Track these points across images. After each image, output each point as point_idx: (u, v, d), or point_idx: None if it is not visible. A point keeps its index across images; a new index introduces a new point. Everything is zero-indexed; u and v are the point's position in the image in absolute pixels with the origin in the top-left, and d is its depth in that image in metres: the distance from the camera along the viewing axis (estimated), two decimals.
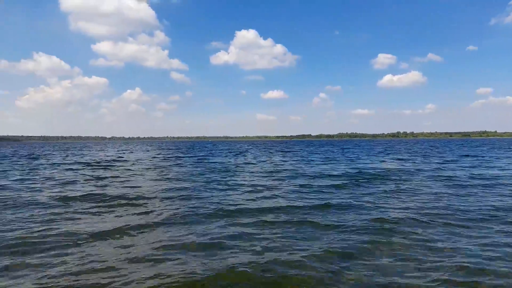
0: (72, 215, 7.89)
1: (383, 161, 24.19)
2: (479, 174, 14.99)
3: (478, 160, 23.82)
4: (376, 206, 8.64)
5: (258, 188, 11.86)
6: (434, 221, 7.13)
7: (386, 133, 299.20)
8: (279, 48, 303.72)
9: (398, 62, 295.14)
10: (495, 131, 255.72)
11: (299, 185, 12.50)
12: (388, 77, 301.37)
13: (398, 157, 28.38)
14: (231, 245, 5.74)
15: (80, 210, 8.43)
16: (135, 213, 8.11)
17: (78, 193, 10.68)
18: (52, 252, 5.46)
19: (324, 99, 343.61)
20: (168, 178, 14.79)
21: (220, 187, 12.19)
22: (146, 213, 8.12)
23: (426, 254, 5.30)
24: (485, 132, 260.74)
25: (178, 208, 8.53)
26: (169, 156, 34.02)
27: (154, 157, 32.53)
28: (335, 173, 16.30)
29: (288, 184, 12.88)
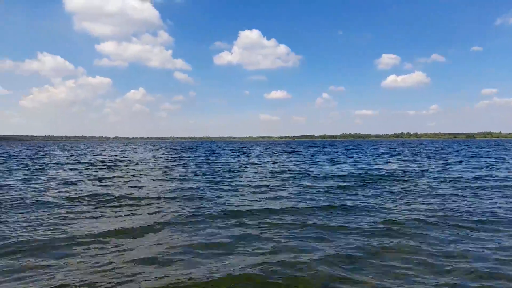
0: (77, 216, 7.86)
1: (388, 162, 24.04)
2: (486, 176, 14.84)
3: (483, 161, 23.61)
4: (382, 208, 8.55)
5: (263, 189, 11.79)
6: (442, 223, 7.03)
7: (389, 133, 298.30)
8: (283, 48, 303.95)
9: (402, 62, 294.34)
10: (500, 132, 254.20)
11: (304, 186, 12.43)
12: (392, 78, 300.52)
13: (403, 158, 28.21)
14: (236, 247, 5.68)
15: (84, 211, 8.41)
16: (139, 214, 8.08)
17: (82, 193, 10.66)
18: (57, 253, 5.43)
19: (327, 99, 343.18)
20: (172, 178, 14.76)
21: (224, 187, 12.14)
22: (151, 213, 8.08)
23: (435, 257, 5.21)
24: (489, 133, 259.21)
25: (182, 209, 8.48)
26: (172, 156, 34.03)
27: (158, 157, 32.55)
28: (340, 174, 16.20)
29: (292, 185, 12.80)
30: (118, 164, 23.00)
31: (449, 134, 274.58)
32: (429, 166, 19.76)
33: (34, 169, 19.62)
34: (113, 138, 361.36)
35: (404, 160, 25.22)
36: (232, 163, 23.59)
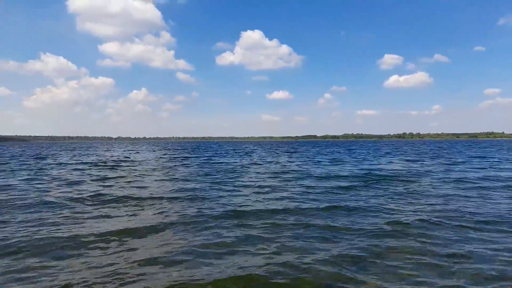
0: (80, 216, 7.86)
1: (391, 162, 23.95)
2: (490, 176, 14.75)
3: (487, 161, 23.48)
4: (386, 209, 8.50)
5: (265, 189, 11.77)
6: (446, 224, 6.98)
7: (392, 134, 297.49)
8: (285, 48, 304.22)
9: (405, 62, 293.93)
10: (503, 132, 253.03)
11: (307, 186, 12.39)
12: (394, 78, 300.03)
13: (406, 158, 28.11)
14: (240, 247, 5.65)
15: (87, 211, 8.41)
16: (142, 214, 8.07)
17: (85, 194, 10.67)
18: (60, 254, 5.42)
19: (329, 99, 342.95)
20: (175, 179, 14.75)
21: (226, 188, 12.12)
22: (154, 214, 8.07)
23: (440, 258, 5.17)
24: (492, 133, 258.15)
25: (185, 209, 8.46)
26: (175, 156, 34.05)
27: (160, 157, 32.57)
28: (342, 174, 16.15)
29: (295, 185, 12.77)
30: (120, 165, 23.02)
31: (452, 134, 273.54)
32: (432, 167, 19.68)
33: (37, 169, 19.67)
34: (116, 139, 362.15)
35: (407, 160, 25.13)
36: (234, 163, 23.57)
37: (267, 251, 5.47)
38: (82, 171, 18.69)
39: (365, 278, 4.52)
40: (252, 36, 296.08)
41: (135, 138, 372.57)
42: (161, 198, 10.01)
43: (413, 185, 12.36)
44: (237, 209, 8.40)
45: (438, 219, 7.34)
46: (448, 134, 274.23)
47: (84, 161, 26.34)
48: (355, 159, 27.07)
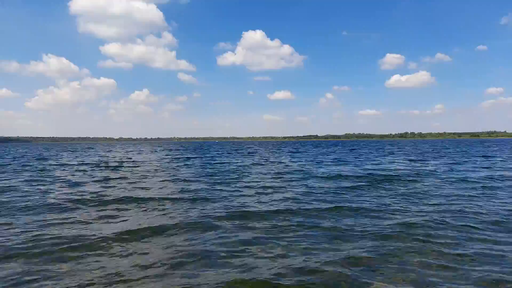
0: (82, 218, 7.81)
1: (395, 162, 23.84)
2: (496, 175, 14.63)
3: (491, 160, 23.34)
4: (391, 209, 8.41)
5: (269, 190, 11.69)
6: (452, 225, 6.89)
7: (394, 133, 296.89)
8: (286, 48, 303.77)
9: (406, 62, 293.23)
10: (505, 131, 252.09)
11: (310, 186, 12.31)
12: (396, 77, 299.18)
13: (409, 157, 27.98)
14: (245, 250, 5.57)
15: (90, 213, 8.35)
16: (146, 216, 8.01)
17: (88, 195, 10.62)
18: (62, 257, 5.36)
19: (331, 99, 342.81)
20: (177, 179, 14.69)
21: (229, 188, 12.05)
22: (157, 216, 8.00)
23: (446, 260, 5.09)
24: (494, 132, 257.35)
25: (189, 211, 8.40)
26: (177, 157, 34.02)
27: (163, 158, 32.54)
28: (346, 174, 16.05)
29: (299, 185, 12.69)
30: (123, 165, 23.00)
31: (454, 133, 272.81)
32: (437, 166, 19.56)
33: (39, 170, 19.67)
34: (117, 139, 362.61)
35: (411, 160, 25.01)
36: (237, 164, 23.51)
37: (273, 254, 5.39)
38: (84, 172, 18.66)
39: (371, 280, 4.46)
40: (254, 36, 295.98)
41: (136, 138, 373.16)
42: (164, 199, 9.94)
43: (416, 185, 12.26)
44: (241, 210, 8.33)
45: (443, 220, 7.26)
46: (450, 134, 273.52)
47: (86, 162, 26.32)
48: (357, 159, 26.97)
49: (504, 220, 7.28)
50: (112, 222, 7.48)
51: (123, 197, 10.26)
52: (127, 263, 5.08)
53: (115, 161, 27.12)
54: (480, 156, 28.06)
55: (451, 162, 22.70)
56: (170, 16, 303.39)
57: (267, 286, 4.33)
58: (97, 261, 5.19)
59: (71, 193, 11.24)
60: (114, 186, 12.79)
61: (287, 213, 8.10)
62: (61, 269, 4.89)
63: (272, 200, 9.76)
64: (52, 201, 9.76)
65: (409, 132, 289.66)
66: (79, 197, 10.25)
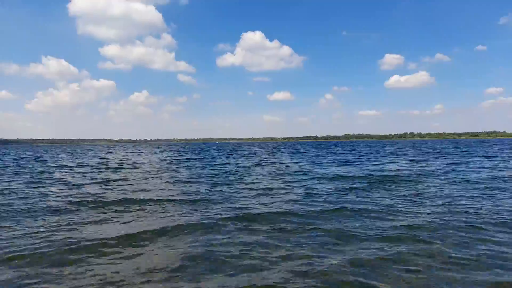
0: (82, 221, 7.72)
1: (396, 162, 23.78)
2: (497, 176, 14.56)
3: (491, 161, 23.28)
4: (394, 211, 8.33)
5: (270, 191, 11.63)
6: (456, 226, 6.80)
7: (393, 134, 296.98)
8: (286, 49, 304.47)
9: (406, 62, 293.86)
10: (504, 131, 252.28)
11: (312, 188, 12.24)
12: (395, 78, 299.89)
13: (410, 158, 27.92)
14: (248, 253, 5.49)
15: (90, 216, 8.27)
16: (147, 219, 7.93)
17: (88, 197, 10.55)
18: (62, 261, 5.28)
19: (330, 100, 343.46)
20: (178, 181, 14.63)
21: (230, 190, 11.98)
22: (158, 218, 7.92)
23: (456, 262, 5.02)
24: (493, 132, 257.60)
25: (190, 213, 8.32)
26: (177, 158, 33.94)
27: (163, 159, 32.47)
28: (346, 175, 15.98)
29: (300, 186, 12.62)
30: (123, 167, 22.93)
31: (454, 133, 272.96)
32: (438, 166, 19.50)
33: (39, 172, 19.59)
34: (117, 141, 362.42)
35: (412, 161, 24.94)
36: (237, 165, 23.45)
37: (277, 257, 5.31)
38: (84, 173, 18.59)
39: (377, 284, 4.39)
40: (253, 37, 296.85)
41: (136, 140, 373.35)
42: (166, 201, 9.87)
43: (418, 186, 12.20)
44: (243, 213, 8.25)
45: (446, 221, 7.20)
46: (449, 134, 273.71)
47: (86, 164, 26.25)
48: (358, 160, 26.91)
49: (508, 220, 7.23)
50: (113, 225, 7.41)
51: (123, 199, 10.18)
52: (129, 267, 5.01)
53: (115, 163, 27.04)
54: (481, 156, 28.00)
55: (452, 162, 22.64)
56: (169, 18, 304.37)
57: None
58: (98, 265, 5.11)
59: (71, 195, 11.16)
60: (115, 188, 12.72)
61: (289, 214, 8.03)
62: (62, 273, 4.82)
63: (274, 202, 9.69)
64: (52, 203, 9.68)
65: (408, 133, 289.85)
66: (80, 199, 10.17)
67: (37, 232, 6.75)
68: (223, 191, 11.64)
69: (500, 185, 12.11)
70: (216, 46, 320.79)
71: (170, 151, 56.76)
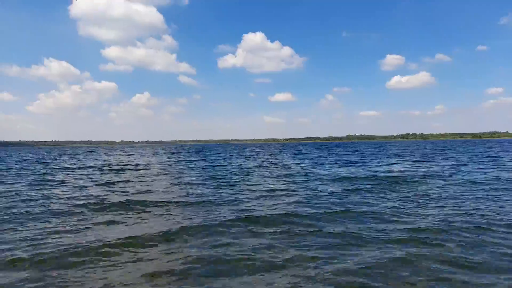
0: (85, 224, 7.68)
1: (399, 163, 23.67)
2: (503, 177, 14.43)
3: (495, 161, 23.13)
4: (399, 213, 8.24)
5: (272, 193, 11.56)
6: (465, 228, 6.72)
7: (395, 134, 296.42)
8: (287, 50, 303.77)
9: (407, 63, 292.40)
10: (506, 132, 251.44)
11: (315, 189, 12.16)
12: (396, 78, 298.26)
13: (413, 159, 27.79)
14: (254, 257, 5.41)
15: (92, 218, 8.23)
16: (149, 221, 7.89)
17: (90, 199, 10.51)
18: (66, 265, 5.23)
19: (332, 101, 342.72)
20: (180, 183, 14.58)
21: (233, 191, 11.92)
22: (161, 221, 7.88)
23: (463, 265, 4.94)
24: (496, 132, 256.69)
25: (193, 216, 8.27)
26: (179, 160, 33.92)
27: (165, 161, 32.45)
28: (350, 176, 15.89)
29: (303, 188, 12.55)
30: (125, 169, 22.91)
31: (455, 134, 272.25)
32: (442, 167, 19.38)
33: (42, 174, 19.58)
34: (119, 142, 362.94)
35: (415, 161, 24.80)
36: (239, 166, 23.39)
37: (283, 261, 5.23)
38: (87, 175, 18.57)
39: (384, 286, 4.33)
40: (254, 38, 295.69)
41: (138, 141, 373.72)
42: (169, 203, 9.82)
43: (423, 187, 12.11)
44: (246, 215, 8.19)
45: (453, 223, 7.12)
46: (451, 134, 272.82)
47: (88, 166, 26.25)
48: (361, 161, 26.81)
49: None
50: (116, 227, 7.36)
51: (127, 201, 10.13)
52: (133, 270, 4.95)
53: (117, 165, 27.04)
54: (484, 157, 27.85)
55: (456, 163, 22.51)
56: (170, 19, 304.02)
57: None
58: (102, 268, 5.06)
59: (74, 197, 11.12)
60: (117, 190, 12.68)
61: (293, 217, 7.96)
62: (65, 276, 4.77)
63: (277, 204, 9.63)
64: (56, 206, 9.65)
65: (410, 133, 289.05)
66: (83, 202, 10.13)
67: (40, 235, 6.71)
68: (226, 193, 11.58)
69: (505, 186, 12.00)
70: (217, 47, 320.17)
71: (172, 153, 56.77)
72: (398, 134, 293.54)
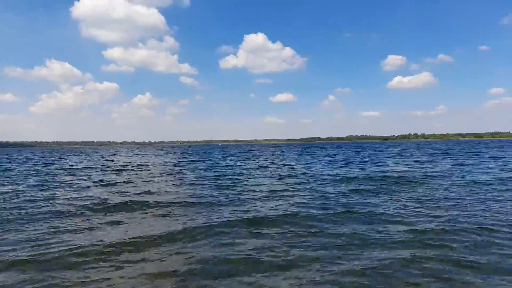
0: (88, 225, 7.67)
1: (401, 164, 23.60)
2: (507, 177, 14.36)
3: (498, 162, 23.02)
4: (403, 214, 8.20)
5: (275, 193, 11.53)
6: (470, 229, 6.67)
7: (396, 135, 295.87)
8: (288, 51, 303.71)
9: (408, 63, 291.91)
10: (508, 132, 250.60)
11: (317, 190, 12.13)
12: (398, 79, 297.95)
13: (415, 159, 27.70)
14: (257, 259, 5.38)
15: (95, 219, 8.22)
16: (152, 222, 7.87)
17: (93, 200, 10.51)
18: (69, 266, 5.21)
19: (333, 101, 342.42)
20: (183, 183, 14.57)
21: (235, 192, 11.90)
22: (164, 221, 7.86)
23: (469, 267, 4.89)
24: (498, 133, 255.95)
25: (196, 216, 8.25)
26: (181, 160, 33.92)
27: (167, 161, 32.46)
28: (353, 176, 15.83)
29: (306, 188, 12.51)
30: (127, 169, 22.92)
31: (457, 134, 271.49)
32: (446, 168, 19.30)
33: (44, 175, 19.60)
34: (121, 143, 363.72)
35: (418, 162, 24.71)
36: (242, 167, 23.37)
37: (285, 262, 5.21)
38: (89, 176, 18.58)
39: None
40: (255, 39, 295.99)
41: (140, 142, 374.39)
42: (172, 203, 9.81)
43: (426, 188, 12.05)
44: (249, 216, 8.16)
45: (457, 224, 7.07)
46: (453, 135, 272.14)
47: (91, 166, 26.28)
48: (363, 161, 26.74)
49: None
50: (119, 228, 7.35)
51: (129, 202, 10.13)
52: (137, 271, 4.94)
53: (120, 165, 27.06)
54: (487, 158, 27.74)
55: (458, 163, 22.42)
56: (172, 20, 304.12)
57: None
58: (105, 269, 5.05)
59: (77, 198, 11.12)
60: (120, 191, 12.68)
61: (296, 218, 7.93)
62: (67, 277, 4.76)
63: (280, 204, 9.60)
64: (58, 206, 9.64)
65: (412, 134, 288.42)
66: (85, 202, 10.13)
67: (43, 236, 6.71)
68: (229, 194, 11.56)
69: (509, 187, 11.94)
70: (219, 48, 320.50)
71: (174, 153, 56.81)
72: (400, 134, 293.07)
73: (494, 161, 23.60)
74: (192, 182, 14.87)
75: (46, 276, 4.81)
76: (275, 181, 14.96)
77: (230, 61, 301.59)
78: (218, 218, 7.97)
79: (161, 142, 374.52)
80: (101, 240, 6.36)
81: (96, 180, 16.62)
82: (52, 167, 25.93)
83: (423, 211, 8.44)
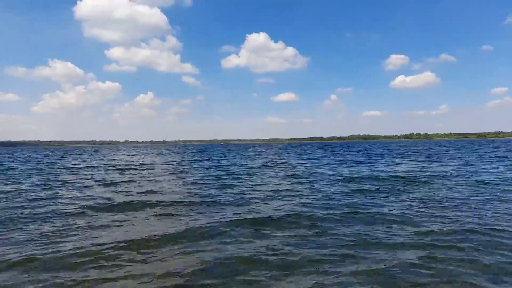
0: (91, 225, 7.62)
1: (404, 163, 23.48)
2: (511, 177, 14.25)
3: (503, 162, 22.88)
4: (408, 215, 8.09)
5: (278, 193, 11.47)
6: (478, 230, 6.57)
7: (399, 134, 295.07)
8: (290, 50, 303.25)
9: (411, 63, 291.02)
10: (511, 132, 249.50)
11: (320, 190, 12.06)
12: (400, 78, 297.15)
13: (418, 159, 27.56)
14: (262, 261, 5.30)
15: (97, 219, 8.18)
16: (155, 222, 7.84)
17: (95, 200, 10.48)
18: (72, 267, 5.17)
19: (335, 101, 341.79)
20: (185, 183, 14.53)
21: (238, 192, 11.85)
22: (167, 221, 7.82)
23: (477, 270, 4.82)
24: (500, 132, 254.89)
25: (198, 216, 8.20)
26: (183, 160, 33.92)
27: (169, 161, 32.45)
28: (356, 176, 15.74)
29: (309, 188, 12.45)
30: (130, 169, 22.91)
31: (460, 134, 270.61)
32: (450, 168, 19.18)
33: (47, 174, 19.61)
34: (123, 142, 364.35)
35: (422, 162, 24.57)
36: (244, 166, 23.32)
37: (290, 264, 5.14)
38: (92, 175, 18.57)
39: None
40: (258, 38, 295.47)
41: (142, 141, 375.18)
42: (175, 203, 9.76)
43: (431, 188, 11.96)
44: (252, 216, 8.10)
45: (464, 225, 6.98)
46: (456, 134, 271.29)
47: (93, 165, 26.29)
48: (366, 161, 26.63)
49: None
50: (122, 228, 7.30)
51: (132, 201, 10.10)
52: (140, 272, 4.89)
53: (122, 164, 27.07)
54: (491, 157, 27.58)
55: (462, 163, 22.29)
56: (174, 20, 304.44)
57: None
58: (107, 269, 5.00)
59: (79, 197, 11.10)
60: (123, 190, 12.65)
61: (300, 218, 7.86)
62: (71, 277, 4.72)
63: (283, 204, 9.54)
64: (61, 206, 9.62)
65: (414, 133, 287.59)
66: (88, 202, 10.10)
67: (46, 236, 6.67)
68: (231, 193, 11.51)
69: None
70: (221, 48, 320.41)
71: (176, 153, 56.83)
72: (402, 134, 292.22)
73: (499, 161, 23.45)
74: (194, 182, 14.84)
75: (49, 275, 4.77)
76: (278, 181, 14.90)
77: (232, 61, 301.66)
78: (221, 218, 7.91)
79: (163, 142, 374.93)
80: (104, 240, 6.32)
81: (98, 179, 16.61)
82: (55, 166, 25.96)
83: (427, 211, 8.36)
